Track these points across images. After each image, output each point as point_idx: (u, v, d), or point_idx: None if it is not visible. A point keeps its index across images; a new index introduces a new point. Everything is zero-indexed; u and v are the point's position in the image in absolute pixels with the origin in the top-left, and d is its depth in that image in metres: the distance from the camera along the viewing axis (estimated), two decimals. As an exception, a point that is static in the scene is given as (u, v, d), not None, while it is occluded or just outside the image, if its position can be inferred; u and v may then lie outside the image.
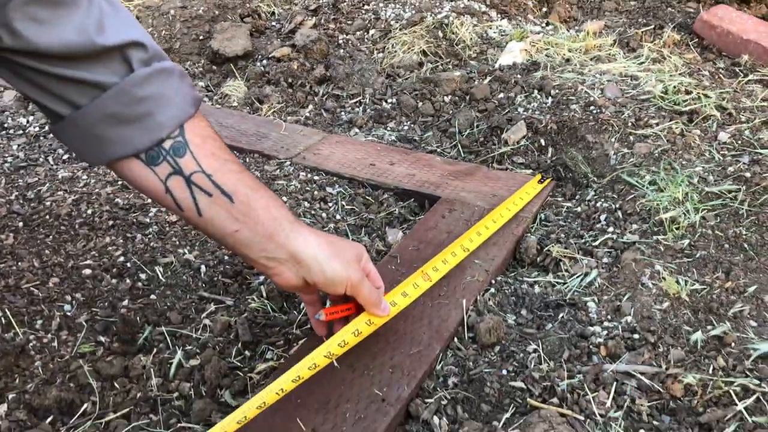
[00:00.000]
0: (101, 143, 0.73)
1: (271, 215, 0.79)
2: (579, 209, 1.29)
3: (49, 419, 0.89)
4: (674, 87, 1.54)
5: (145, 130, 0.73)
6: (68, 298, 1.09)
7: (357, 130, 1.64)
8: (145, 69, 0.72)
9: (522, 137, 1.52)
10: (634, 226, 1.16)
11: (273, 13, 2.14)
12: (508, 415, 0.84)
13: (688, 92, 1.52)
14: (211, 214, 0.77)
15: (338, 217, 1.31)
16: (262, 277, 1.13)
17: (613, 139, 1.40)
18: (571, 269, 1.10)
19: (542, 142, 1.49)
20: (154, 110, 0.73)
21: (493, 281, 1.10)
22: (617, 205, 1.24)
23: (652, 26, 1.94)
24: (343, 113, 1.72)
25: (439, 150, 1.55)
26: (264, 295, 1.09)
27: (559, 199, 1.34)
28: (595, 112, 1.49)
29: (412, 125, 1.64)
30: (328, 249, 0.82)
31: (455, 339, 0.97)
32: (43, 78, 0.69)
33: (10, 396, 0.92)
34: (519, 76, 1.72)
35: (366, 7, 2.11)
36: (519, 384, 0.87)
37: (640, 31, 1.92)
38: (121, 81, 0.71)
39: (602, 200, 1.28)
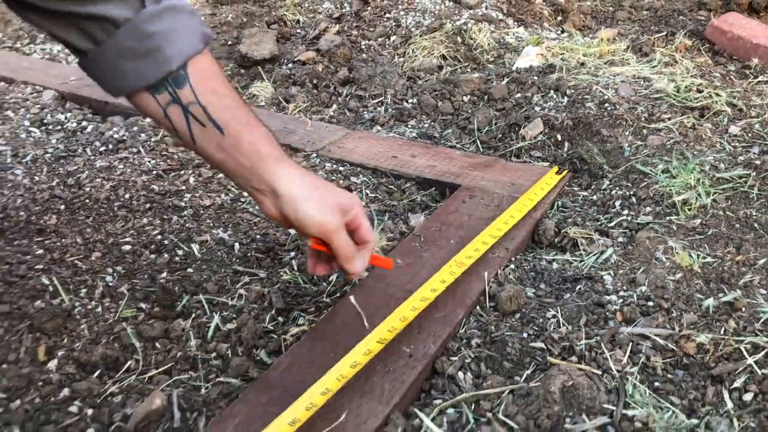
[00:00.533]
0: (121, 76, 0.79)
1: (257, 150, 0.84)
2: (595, 197, 1.34)
3: (96, 373, 0.95)
4: (686, 86, 1.60)
5: (154, 64, 0.78)
6: (110, 270, 1.15)
7: (379, 128, 1.71)
8: (155, 6, 0.77)
9: (539, 133, 1.58)
10: (648, 209, 1.21)
11: (298, 21, 2.23)
12: (529, 371, 0.88)
13: (699, 91, 1.58)
14: (202, 143, 0.83)
15: (363, 203, 1.37)
16: (293, 252, 1.19)
17: (627, 133, 1.46)
18: (587, 248, 1.15)
19: (558, 137, 1.55)
20: (163, 45, 0.78)
21: (513, 258, 1.15)
22: (631, 192, 1.29)
23: (665, 33, 2.00)
24: (365, 112, 1.79)
25: (458, 146, 1.61)
26: (295, 268, 1.14)
27: (575, 188, 1.40)
28: (609, 108, 1.55)
29: (433, 123, 1.71)
30: (308, 190, 0.85)
31: (477, 307, 1.02)
32: (63, 16, 0.75)
33: (60, 353, 0.98)
34: (536, 77, 1.78)
35: (387, 15, 2.19)
36: (539, 344, 0.92)
37: (653, 37, 1.98)
38: (134, 17, 0.76)
39: (617, 188, 1.33)
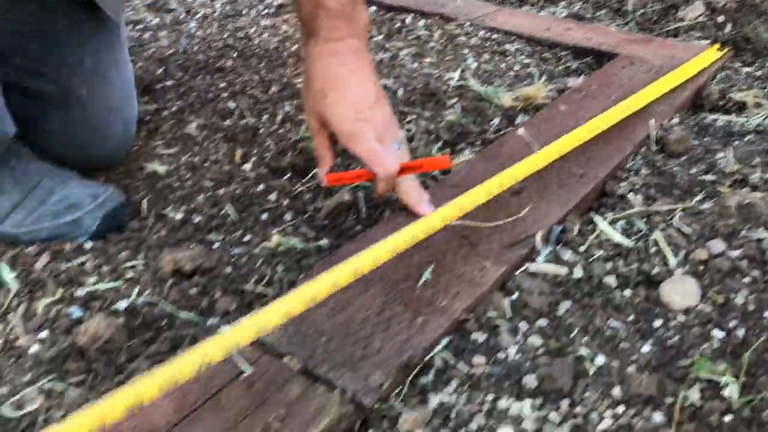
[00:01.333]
0: None
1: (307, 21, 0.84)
2: (759, 72, 1.31)
3: (287, 176, 1.05)
4: None
5: None
6: (287, 102, 1.25)
7: (528, 8, 1.72)
8: None
9: (699, 15, 1.54)
10: (824, 77, 1.18)
11: None
12: (699, 198, 0.91)
13: None
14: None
15: (518, 68, 1.40)
16: (456, 98, 1.24)
17: (799, 12, 1.40)
18: (754, 111, 1.14)
19: (720, 19, 1.50)
20: None
21: (676, 115, 1.15)
22: (802, 66, 1.26)
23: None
24: (514, -7, 1.79)
25: (612, 26, 1.59)
26: (459, 111, 1.20)
27: (738, 65, 1.37)
28: (779, -9, 1.48)
29: (584, 4, 1.69)
30: (318, 74, 0.83)
31: (644, 148, 1.05)
32: None
33: (252, 159, 1.09)
34: (695, -36, 1.72)
35: None
36: (709, 177, 0.94)
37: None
38: None
39: (785, 64, 1.30)
